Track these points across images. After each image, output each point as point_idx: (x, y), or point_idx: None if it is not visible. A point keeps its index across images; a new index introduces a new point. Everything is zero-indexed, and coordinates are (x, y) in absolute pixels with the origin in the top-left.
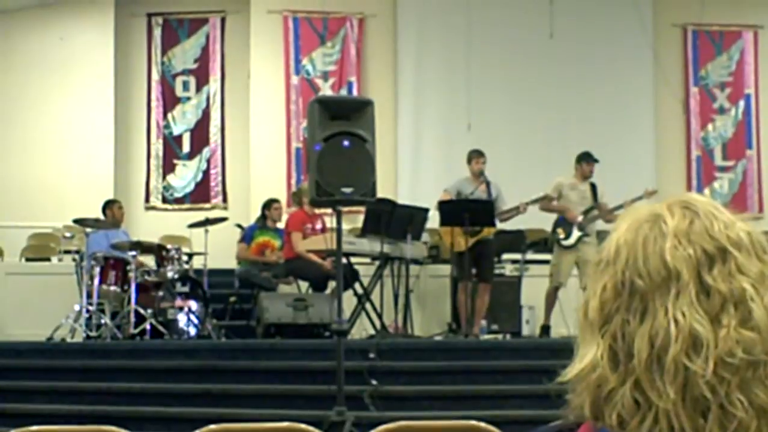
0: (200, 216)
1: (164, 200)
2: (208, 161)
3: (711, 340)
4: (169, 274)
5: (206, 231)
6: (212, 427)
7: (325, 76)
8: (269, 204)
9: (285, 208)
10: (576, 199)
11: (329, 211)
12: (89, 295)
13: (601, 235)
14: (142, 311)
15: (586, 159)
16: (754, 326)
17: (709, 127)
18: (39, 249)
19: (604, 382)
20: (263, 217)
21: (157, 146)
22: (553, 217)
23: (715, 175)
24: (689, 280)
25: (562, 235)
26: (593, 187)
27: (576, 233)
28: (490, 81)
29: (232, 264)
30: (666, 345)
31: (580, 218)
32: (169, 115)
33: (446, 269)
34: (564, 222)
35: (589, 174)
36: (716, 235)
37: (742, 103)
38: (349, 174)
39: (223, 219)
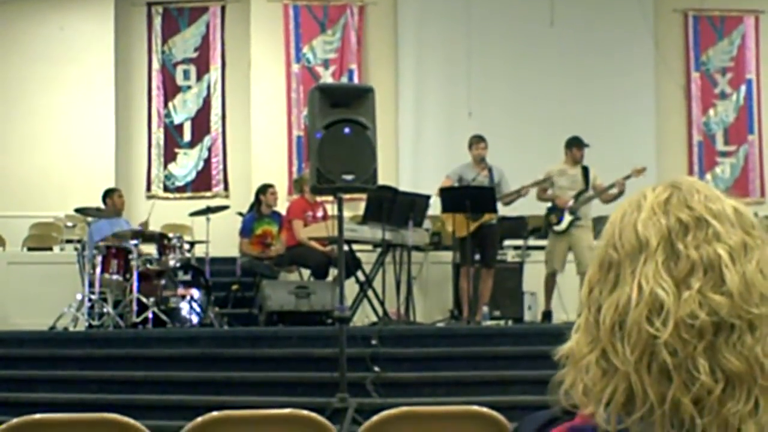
0: (201, 204)
1: (165, 189)
2: (209, 150)
3: (672, 303)
4: (171, 263)
5: (208, 219)
6: (215, 414)
7: (326, 63)
8: (265, 189)
9: (286, 195)
10: (566, 185)
11: (330, 198)
12: (91, 284)
13: (598, 221)
14: (144, 300)
15: (576, 144)
16: (725, 291)
17: (711, 112)
18: (41, 238)
19: (580, 354)
20: (258, 202)
21: (158, 135)
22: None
23: (716, 160)
24: (657, 247)
25: (554, 221)
26: (585, 170)
27: (567, 218)
28: (490, 68)
29: (233, 252)
30: (628, 310)
31: (570, 203)
32: (170, 104)
33: (448, 256)
34: (555, 208)
35: (579, 159)
36: (694, 206)
37: (743, 88)
38: (350, 161)
39: (225, 207)
